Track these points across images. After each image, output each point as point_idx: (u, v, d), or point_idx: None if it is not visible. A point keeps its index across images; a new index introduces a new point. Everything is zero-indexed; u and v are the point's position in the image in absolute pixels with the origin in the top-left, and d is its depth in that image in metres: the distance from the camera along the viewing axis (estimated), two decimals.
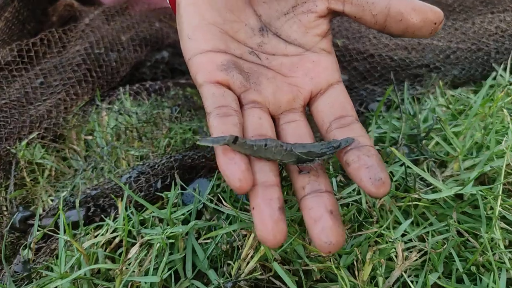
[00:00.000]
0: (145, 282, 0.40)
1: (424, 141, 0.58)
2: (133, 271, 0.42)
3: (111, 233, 0.46)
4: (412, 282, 0.42)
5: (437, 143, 0.58)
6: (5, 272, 0.43)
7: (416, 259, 0.41)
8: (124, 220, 0.43)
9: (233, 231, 0.44)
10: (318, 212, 0.34)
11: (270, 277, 0.43)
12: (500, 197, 0.45)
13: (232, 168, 0.35)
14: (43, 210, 0.54)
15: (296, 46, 0.46)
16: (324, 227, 0.33)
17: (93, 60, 0.74)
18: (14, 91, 0.69)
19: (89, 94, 0.70)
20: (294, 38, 0.46)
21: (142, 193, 0.51)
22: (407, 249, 0.45)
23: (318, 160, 0.38)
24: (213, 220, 0.50)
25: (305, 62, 0.46)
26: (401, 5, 0.41)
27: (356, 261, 0.41)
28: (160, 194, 0.51)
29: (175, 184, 0.51)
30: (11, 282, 0.41)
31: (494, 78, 0.70)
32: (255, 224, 0.34)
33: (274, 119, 0.44)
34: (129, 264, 0.42)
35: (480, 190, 0.46)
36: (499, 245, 0.43)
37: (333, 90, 0.45)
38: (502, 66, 0.73)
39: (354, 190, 0.49)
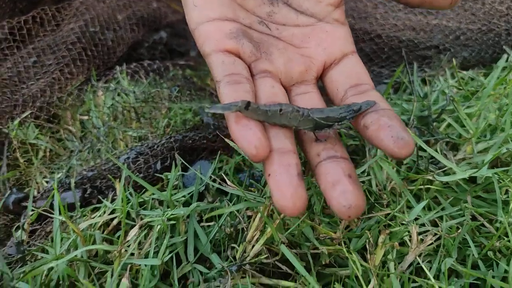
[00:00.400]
0: (145, 265, 0.38)
1: (434, 123, 0.56)
2: (132, 254, 0.40)
3: (108, 214, 0.43)
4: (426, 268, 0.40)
5: (449, 125, 0.55)
6: None
7: (432, 243, 0.39)
8: (122, 201, 0.40)
9: (238, 212, 0.42)
10: (336, 176, 0.32)
11: (276, 261, 0.41)
12: None
13: (247, 134, 0.32)
14: (38, 192, 0.51)
15: (308, 16, 0.44)
16: (343, 190, 0.31)
17: (88, 39, 0.71)
18: (6, 70, 0.66)
19: (84, 73, 0.68)
20: (306, 7, 0.43)
21: (141, 175, 0.49)
22: (420, 233, 0.43)
23: (338, 126, 0.36)
24: (216, 203, 0.47)
25: (318, 33, 0.43)
26: None
27: (368, 244, 0.39)
28: (160, 175, 0.49)
29: (176, 166, 0.48)
30: (4, 264, 0.39)
31: (506, 61, 0.68)
32: (272, 191, 0.31)
33: (286, 91, 0.41)
34: (128, 246, 0.40)
35: (496, 173, 0.44)
36: None
37: (348, 60, 0.42)
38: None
39: (363, 172, 0.47)
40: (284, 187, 0.31)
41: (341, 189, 0.31)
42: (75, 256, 0.38)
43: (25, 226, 0.45)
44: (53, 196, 0.47)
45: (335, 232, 0.39)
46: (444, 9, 0.41)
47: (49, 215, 0.44)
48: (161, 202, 0.47)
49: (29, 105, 0.59)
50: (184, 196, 0.46)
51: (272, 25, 0.43)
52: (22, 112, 0.58)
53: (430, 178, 0.44)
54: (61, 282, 0.38)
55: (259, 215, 0.39)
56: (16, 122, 0.56)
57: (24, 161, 0.55)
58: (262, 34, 0.43)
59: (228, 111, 0.33)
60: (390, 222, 0.41)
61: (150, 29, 0.83)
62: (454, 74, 0.67)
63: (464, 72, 0.66)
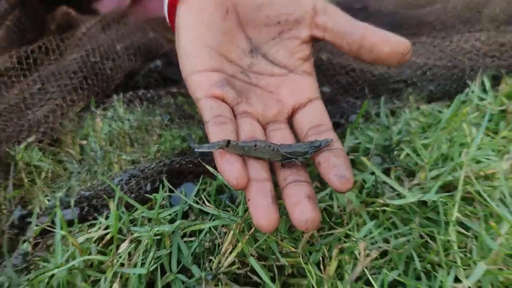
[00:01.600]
0: (134, 274, 0.44)
1: (396, 152, 0.63)
2: (123, 264, 0.46)
3: (103, 230, 0.50)
4: (373, 279, 0.46)
5: (408, 154, 0.62)
6: (5, 265, 0.47)
7: (376, 257, 0.45)
8: (114, 217, 0.47)
9: (215, 229, 0.48)
10: (298, 197, 0.39)
11: (247, 272, 0.47)
12: (457, 204, 0.50)
13: (229, 168, 0.39)
14: (40, 209, 0.57)
15: (281, 67, 0.51)
16: (302, 209, 0.38)
17: (89, 68, 0.78)
18: (13, 96, 0.73)
19: (84, 100, 0.74)
20: (280, 60, 0.51)
21: (133, 195, 0.55)
22: (373, 249, 0.50)
23: (301, 159, 0.43)
24: (198, 220, 0.54)
25: (289, 83, 0.51)
26: (373, 37, 0.46)
27: (324, 258, 0.45)
28: (150, 196, 0.55)
29: (163, 187, 0.55)
30: (12, 272, 0.45)
31: (466, 95, 0.75)
32: (252, 213, 0.38)
33: (263, 128, 0.48)
34: (120, 258, 0.46)
35: (441, 197, 0.51)
36: (453, 246, 0.48)
37: (312, 105, 0.50)
38: (477, 82, 0.78)
39: (327, 194, 0.53)
40: (261, 211, 0.38)
41: (301, 209, 0.38)
42: (73, 265, 0.44)
43: (30, 240, 0.51)
44: (54, 213, 0.53)
45: (295, 248, 0.45)
46: (392, 66, 0.48)
47: (51, 229, 0.51)
48: (150, 219, 0.54)
49: (34, 130, 0.66)
50: (170, 215, 0.53)
51: (252, 74, 0.51)
52: (28, 136, 0.65)
53: (381, 201, 0.50)
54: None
55: (232, 232, 0.46)
56: (22, 146, 0.62)
57: (28, 181, 0.61)
58: (243, 82, 0.50)
59: (213, 149, 0.40)
60: (345, 240, 0.48)
61: (146, 58, 0.90)
62: (420, 107, 0.74)
63: (424, 106, 0.73)
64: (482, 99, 0.75)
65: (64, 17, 0.94)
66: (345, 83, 0.80)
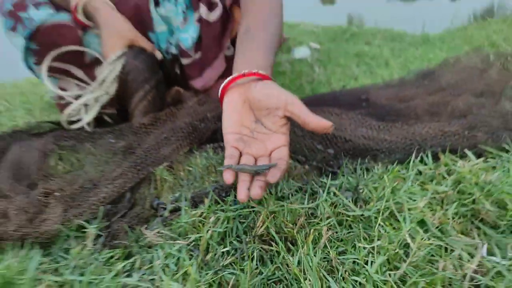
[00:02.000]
0: (215, 231, 0.96)
1: (360, 190, 1.11)
2: (210, 226, 0.98)
3: (202, 211, 1.03)
4: (331, 247, 0.94)
5: (366, 192, 1.11)
6: (157, 221, 1.01)
7: (332, 234, 0.94)
8: (209, 206, 1.00)
9: (255, 214, 1.00)
10: (255, 186, 0.87)
11: (269, 239, 0.97)
12: (380, 217, 0.98)
13: (229, 175, 0.90)
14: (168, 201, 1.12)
15: (269, 130, 1.01)
16: (255, 190, 0.86)
17: (193, 127, 1.34)
18: (151, 140, 1.30)
19: (189, 145, 1.30)
20: (269, 126, 1.01)
21: (216, 196, 1.08)
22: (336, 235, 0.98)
23: (263, 171, 0.92)
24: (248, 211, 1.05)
25: (272, 137, 0.99)
26: (313, 119, 0.95)
27: (307, 234, 0.95)
28: (224, 198, 1.08)
29: (231, 194, 1.07)
30: (161, 223, 0.99)
31: (413, 162, 1.22)
32: (237, 193, 0.87)
33: (256, 160, 0.99)
34: (209, 223, 0.98)
35: (374, 213, 0.99)
36: (375, 237, 0.95)
37: (281, 148, 0.98)
38: (425, 154, 1.25)
39: (313, 206, 1.03)
40: (241, 192, 0.87)
41: (255, 190, 0.87)
42: (188, 222, 0.97)
43: (167, 212, 1.05)
44: (179, 202, 1.07)
45: (294, 225, 0.95)
46: (325, 133, 0.99)
47: (179, 205, 1.05)
48: (223, 210, 1.05)
49: (164, 160, 1.22)
50: (234, 208, 1.04)
51: (254, 132, 1.02)
52: (161, 164, 1.20)
53: (342, 211, 0.99)
54: (182, 231, 0.97)
55: (262, 216, 0.97)
56: (160, 167, 1.18)
57: (161, 185, 1.16)
58: (249, 137, 1.01)
59: (224, 168, 0.92)
60: (318, 227, 0.97)
61: None
62: (387, 167, 1.23)
63: (388, 166, 1.22)
64: (425, 164, 1.22)
65: (176, 94, 1.54)
66: (342, 148, 1.30)
